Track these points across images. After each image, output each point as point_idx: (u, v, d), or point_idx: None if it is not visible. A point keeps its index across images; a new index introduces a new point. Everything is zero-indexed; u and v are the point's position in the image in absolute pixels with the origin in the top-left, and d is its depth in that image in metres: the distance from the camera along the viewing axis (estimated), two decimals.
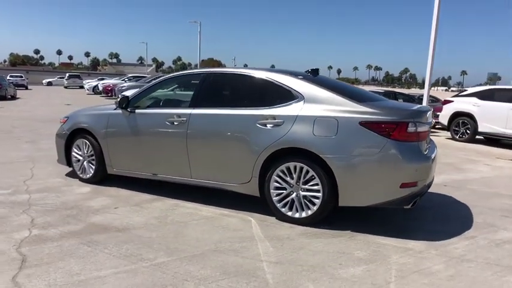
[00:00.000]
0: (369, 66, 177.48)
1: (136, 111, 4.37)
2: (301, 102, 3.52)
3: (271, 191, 3.60)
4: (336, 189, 3.33)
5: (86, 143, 4.77)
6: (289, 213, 3.54)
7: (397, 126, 3.17)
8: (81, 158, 4.86)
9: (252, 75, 3.91)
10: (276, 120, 3.53)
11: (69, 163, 5.02)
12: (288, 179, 3.52)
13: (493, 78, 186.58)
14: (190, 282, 2.49)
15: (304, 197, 3.46)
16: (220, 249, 3.01)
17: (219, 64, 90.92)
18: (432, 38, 12.33)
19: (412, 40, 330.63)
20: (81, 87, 39.03)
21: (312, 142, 3.34)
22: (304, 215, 3.48)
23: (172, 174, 4.20)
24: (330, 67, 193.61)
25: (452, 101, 11.34)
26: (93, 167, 4.74)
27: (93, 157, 4.71)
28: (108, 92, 22.06)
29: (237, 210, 3.91)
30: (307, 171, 3.41)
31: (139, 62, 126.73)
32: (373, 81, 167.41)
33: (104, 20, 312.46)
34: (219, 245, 3.08)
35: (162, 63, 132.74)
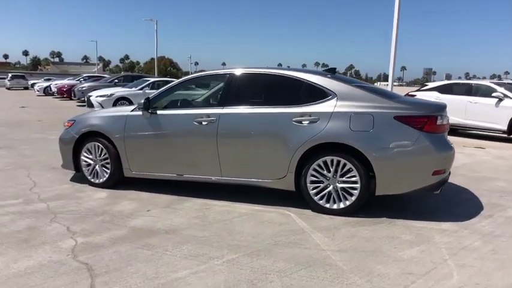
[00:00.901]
0: (317, 63, 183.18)
1: (158, 112, 4.31)
2: (334, 99, 3.72)
3: (308, 185, 3.77)
4: (373, 180, 3.57)
5: (98, 146, 4.60)
6: (327, 205, 3.73)
7: (428, 120, 3.49)
8: (92, 162, 4.68)
9: (283, 74, 4.04)
10: (312, 117, 3.70)
11: (77, 168, 4.81)
12: (325, 172, 3.71)
13: (429, 72, 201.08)
14: (272, 275, 2.58)
15: (342, 188, 3.67)
16: (280, 243, 3.12)
17: (171, 62, 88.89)
18: (394, 36, 13.20)
19: (357, 38, 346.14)
20: (26, 88, 36.30)
21: (350, 137, 3.56)
22: (342, 205, 3.69)
23: (200, 173, 4.21)
24: (280, 64, 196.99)
25: (415, 95, 12.24)
26: (108, 171, 4.59)
27: (107, 161, 4.56)
28: (64, 93, 20.78)
29: (270, 205, 4.02)
30: (345, 164, 3.62)
31: (84, 60, 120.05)
32: None
33: (43, 16, 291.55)
34: (275, 239, 3.20)
35: (109, 62, 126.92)
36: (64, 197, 4.32)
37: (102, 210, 3.88)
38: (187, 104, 4.54)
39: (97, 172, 4.68)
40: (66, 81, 23.51)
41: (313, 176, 3.75)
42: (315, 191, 3.76)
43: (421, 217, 3.71)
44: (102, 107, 12.93)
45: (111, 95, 13.03)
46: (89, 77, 24.58)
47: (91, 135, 4.66)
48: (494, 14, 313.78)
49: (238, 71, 4.18)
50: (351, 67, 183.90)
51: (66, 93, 20.36)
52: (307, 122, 3.71)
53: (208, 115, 4.06)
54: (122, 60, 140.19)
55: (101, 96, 13.04)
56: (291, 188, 3.88)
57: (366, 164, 3.56)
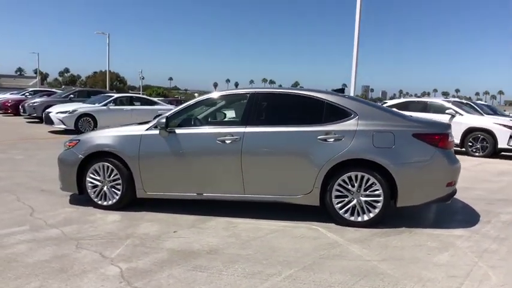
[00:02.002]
0: (264, 80, 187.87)
1: (177, 131, 4.27)
2: (355, 118, 3.99)
3: (333, 199, 3.96)
4: (394, 193, 3.87)
5: (108, 166, 4.42)
6: (352, 218, 3.95)
7: (442, 137, 3.88)
8: (99, 183, 4.48)
9: (305, 95, 4.24)
10: (337, 135, 3.93)
11: (80, 190, 4.56)
12: (349, 187, 3.93)
13: (367, 90, 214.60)
14: (339, 286, 2.71)
15: (366, 202, 3.91)
16: (324, 256, 3.25)
17: (117, 76, 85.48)
18: (354, 54, 14.13)
19: (302, 55, 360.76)
20: None
21: (374, 153, 3.83)
22: (366, 218, 3.92)
23: (222, 192, 4.22)
24: (228, 80, 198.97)
25: None
26: (118, 192, 4.42)
27: (118, 181, 4.40)
28: (8, 108, 19.16)
29: (293, 221, 4.13)
30: (368, 179, 3.87)
31: (19, 73, 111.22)
32: None
33: None
34: (318, 253, 3.32)
35: (47, 75, 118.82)
36: (74, 221, 4.08)
37: (125, 234, 3.73)
38: (205, 122, 4.55)
39: (105, 194, 4.48)
40: (10, 96, 21.70)
41: (337, 190, 3.95)
42: (339, 205, 3.96)
43: (434, 225, 4.06)
44: (64, 124, 12.21)
45: (74, 111, 12.33)
46: (36, 91, 22.96)
47: (99, 155, 4.47)
48: (426, 35, 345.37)
49: (260, 91, 4.31)
50: (296, 84, 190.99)
51: (12, 109, 18.80)
52: (332, 139, 3.93)
53: (232, 134, 4.11)
54: (61, 74, 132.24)
55: (61, 112, 12.28)
56: (315, 203, 4.04)
57: (387, 178, 3.84)
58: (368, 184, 3.89)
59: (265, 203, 4.24)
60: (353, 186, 3.92)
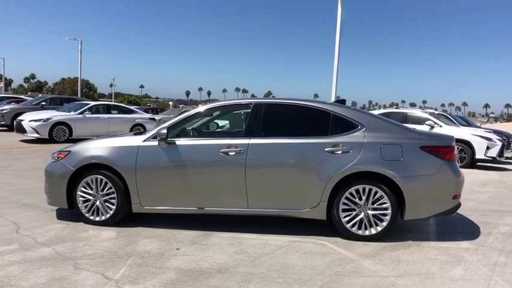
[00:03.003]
0: (237, 89, 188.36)
1: (177, 142, 4.09)
2: (362, 130, 3.96)
3: (341, 213, 3.89)
4: (402, 206, 3.84)
5: (101, 180, 4.16)
6: (359, 232, 3.88)
7: (449, 149, 3.91)
8: (91, 197, 4.20)
9: (310, 106, 4.17)
10: (345, 148, 3.87)
11: (70, 204, 4.26)
12: (357, 200, 3.87)
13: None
14: None
15: (373, 215, 3.87)
16: (340, 273, 3.15)
17: (87, 84, 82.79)
18: (335, 64, 14.38)
19: (274, 64, 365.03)
20: None
21: (383, 165, 3.80)
22: (373, 231, 3.87)
23: (224, 206, 4.06)
24: (201, 89, 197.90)
25: None
26: (113, 207, 4.16)
27: (113, 195, 4.14)
28: None
29: (298, 235, 4.02)
30: (376, 192, 3.83)
31: None
32: None
33: None
34: (333, 269, 3.22)
35: (11, 81, 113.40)
36: (66, 238, 3.79)
37: (125, 252, 3.49)
38: (206, 133, 4.38)
39: (97, 208, 4.21)
40: None
41: (345, 204, 3.89)
42: (347, 218, 3.89)
43: (438, 238, 4.07)
44: (38, 133, 11.59)
45: (48, 119, 11.72)
46: (2, 98, 21.78)
47: (91, 167, 4.20)
48: (393, 47, 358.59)
49: (263, 101, 4.21)
50: (269, 93, 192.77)
51: None
52: (340, 152, 3.87)
53: (236, 146, 3.97)
54: (26, 80, 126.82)
55: (35, 120, 11.65)
56: (321, 217, 3.95)
57: (395, 190, 3.82)
58: (376, 197, 3.85)
59: (269, 217, 4.11)
60: (360, 199, 3.87)
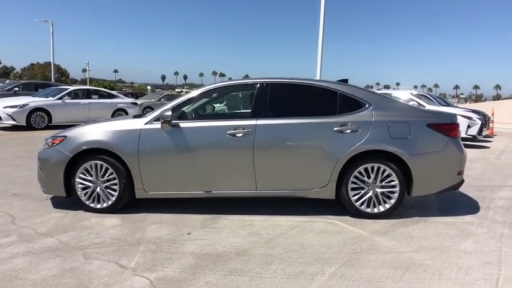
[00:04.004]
0: (214, 73, 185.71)
1: (182, 124, 3.94)
2: (370, 109, 3.93)
3: (350, 192, 3.89)
4: (409, 183, 3.88)
5: (101, 165, 3.98)
6: (368, 210, 3.91)
7: (453, 127, 3.95)
8: (91, 184, 4.02)
9: (317, 85, 4.10)
10: (353, 127, 3.85)
11: (68, 192, 4.07)
12: (365, 178, 3.88)
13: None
14: (385, 282, 2.62)
15: (382, 193, 3.89)
16: (357, 250, 3.16)
17: (59, 69, 79.08)
18: (320, 46, 14.33)
19: (255, 48, 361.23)
20: None
21: (391, 144, 3.80)
22: (382, 209, 3.90)
23: (232, 189, 3.98)
24: (176, 73, 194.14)
25: None
26: (115, 193, 4.00)
27: (114, 181, 3.98)
28: None
29: (307, 215, 4.01)
30: (384, 170, 3.85)
31: None
32: None
33: None
34: (350, 247, 3.23)
35: None
36: (68, 228, 3.62)
37: (135, 239, 3.37)
38: (211, 115, 4.24)
39: (98, 195, 4.04)
40: None
41: (353, 183, 3.89)
42: (356, 197, 3.90)
43: (442, 213, 4.15)
44: (14, 120, 11.02)
45: (24, 105, 11.13)
46: None
47: (89, 153, 4.01)
48: (369, 31, 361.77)
49: (270, 81, 4.09)
50: (246, 76, 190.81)
51: None
52: (349, 131, 3.84)
53: (243, 127, 3.87)
54: None
55: (10, 107, 11.03)
56: (330, 197, 3.94)
57: (402, 168, 3.84)
58: (384, 175, 3.86)
59: (277, 198, 4.07)
60: (369, 177, 3.87)
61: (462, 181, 4.07)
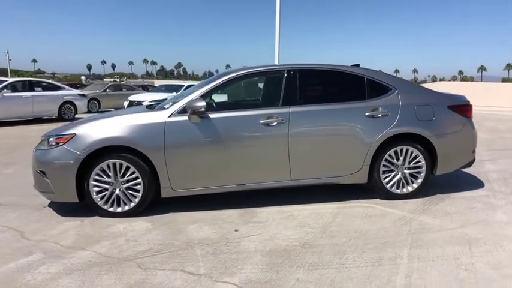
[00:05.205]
0: (145, 61, 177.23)
1: (211, 115, 3.65)
2: (396, 93, 4.01)
3: (381, 175, 3.97)
4: (433, 163, 4.06)
5: (121, 164, 3.56)
6: (398, 191, 4.02)
7: (469, 108, 4.20)
8: (108, 186, 3.59)
9: (344, 71, 4.05)
10: (384, 111, 3.90)
11: (80, 197, 3.59)
12: (395, 161, 3.98)
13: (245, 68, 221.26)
14: (462, 259, 2.72)
15: (410, 174, 4.02)
16: (413, 231, 3.23)
17: None
18: (277, 34, 14.34)
19: (185, 38, 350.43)
20: None
21: (420, 126, 3.92)
22: (410, 189, 4.04)
23: (267, 180, 3.82)
24: (104, 62, 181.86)
25: None
26: (138, 194, 3.62)
27: (137, 181, 3.59)
28: None
29: (340, 201, 4.01)
30: (412, 152, 3.97)
31: None
32: (148, 75, 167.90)
33: None
34: (403, 228, 3.29)
35: None
36: (96, 237, 3.19)
37: (182, 242, 3.08)
38: (237, 104, 3.99)
39: (117, 198, 3.62)
40: None
41: (384, 166, 3.96)
42: (387, 179, 3.99)
43: (456, 189, 4.42)
44: None
45: None
46: None
47: (105, 151, 3.56)
48: (324, 19, 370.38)
49: (296, 67, 3.95)
50: (179, 65, 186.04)
51: None
52: (380, 115, 3.89)
53: (277, 115, 3.71)
54: None
55: None
56: (362, 181, 3.98)
57: (428, 149, 4.01)
58: (412, 157, 3.99)
59: (311, 186, 4.00)
60: (398, 160, 3.98)
61: (474, 159, 4.37)
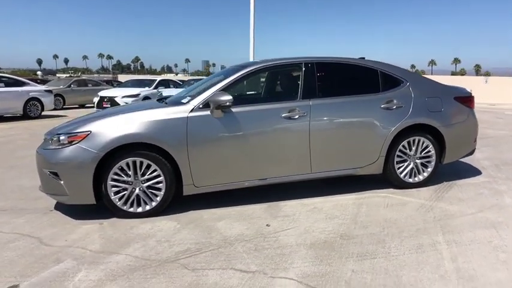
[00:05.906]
0: (101, 55, 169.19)
1: (233, 109, 3.56)
2: (407, 85, 4.13)
3: (395, 165, 4.09)
4: (442, 152, 4.25)
5: (141, 162, 3.39)
6: (410, 180, 4.17)
7: (472, 99, 4.42)
8: (127, 186, 3.41)
9: (358, 64, 4.11)
10: (398, 103, 4.00)
11: (97, 197, 3.39)
12: (407, 151, 4.11)
13: (208, 65, 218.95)
14: (495, 239, 2.88)
15: (421, 163, 4.18)
16: (437, 218, 3.37)
17: None
18: (251, 29, 14.26)
19: (140, 32, 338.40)
20: None
21: (431, 117, 4.08)
22: (421, 178, 4.20)
23: (287, 173, 3.80)
24: (56, 56, 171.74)
25: None
26: (160, 193, 3.47)
27: (159, 179, 3.44)
28: None
29: (356, 192, 4.09)
30: (423, 142, 4.13)
31: None
32: (104, 70, 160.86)
33: None
34: (426, 216, 3.42)
35: None
36: (124, 240, 3.03)
37: (218, 240, 3.00)
38: (257, 98, 3.92)
39: (137, 198, 3.45)
40: None
41: (398, 156, 4.09)
42: (400, 169, 4.12)
43: (459, 176, 4.65)
44: None
45: None
46: None
47: (124, 149, 3.37)
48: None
49: (313, 60, 3.94)
50: (137, 59, 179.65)
51: None
52: (394, 107, 3.99)
53: (298, 109, 3.70)
54: None
55: None
56: (378, 172, 4.08)
57: (437, 139, 4.18)
58: (423, 147, 4.15)
59: (325, 178, 4.04)
60: (410, 150, 4.12)
61: (475, 148, 4.62)
